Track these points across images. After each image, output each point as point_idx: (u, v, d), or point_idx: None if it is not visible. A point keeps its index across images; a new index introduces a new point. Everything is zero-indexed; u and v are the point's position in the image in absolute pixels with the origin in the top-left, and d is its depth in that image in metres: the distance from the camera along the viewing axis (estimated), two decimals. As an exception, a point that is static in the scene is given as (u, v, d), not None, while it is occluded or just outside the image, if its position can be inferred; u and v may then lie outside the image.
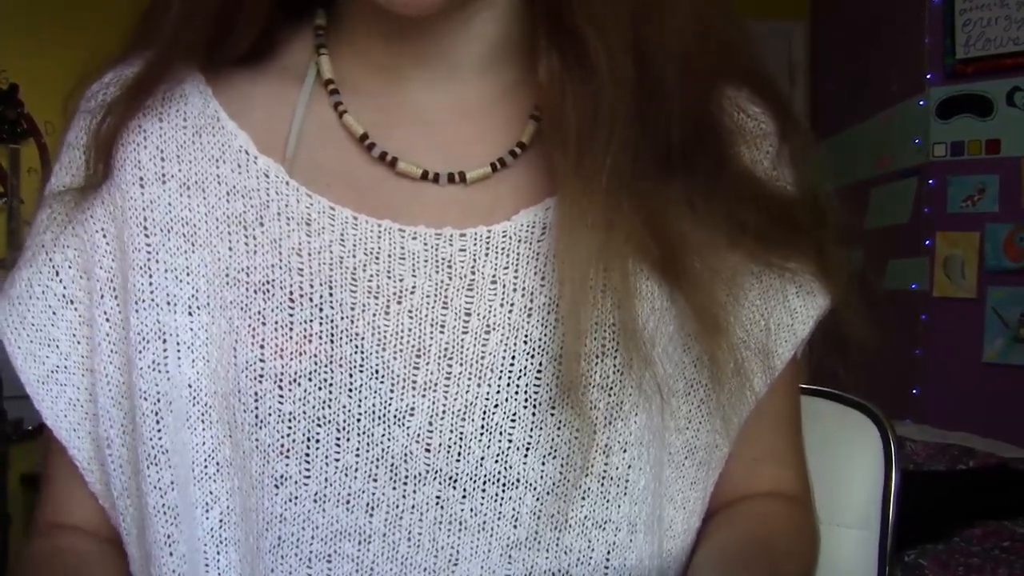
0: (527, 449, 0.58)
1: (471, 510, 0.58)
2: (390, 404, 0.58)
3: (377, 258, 0.59)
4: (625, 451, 0.60)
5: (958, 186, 2.90)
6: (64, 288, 0.63)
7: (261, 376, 0.58)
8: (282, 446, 0.58)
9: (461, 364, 0.58)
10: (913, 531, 1.74)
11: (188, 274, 0.60)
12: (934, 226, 2.96)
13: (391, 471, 0.58)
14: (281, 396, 0.58)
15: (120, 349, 0.61)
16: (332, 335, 0.58)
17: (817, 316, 0.67)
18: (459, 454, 0.58)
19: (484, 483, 0.58)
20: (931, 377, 2.97)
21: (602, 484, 0.60)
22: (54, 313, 0.63)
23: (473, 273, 0.59)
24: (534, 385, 0.58)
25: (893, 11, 3.27)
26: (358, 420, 0.58)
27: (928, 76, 2.98)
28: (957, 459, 2.20)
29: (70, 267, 0.63)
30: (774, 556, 0.62)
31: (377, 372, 0.58)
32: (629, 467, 0.60)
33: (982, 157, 2.86)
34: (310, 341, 0.58)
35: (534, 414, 0.58)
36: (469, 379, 0.58)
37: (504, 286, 0.59)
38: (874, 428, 0.84)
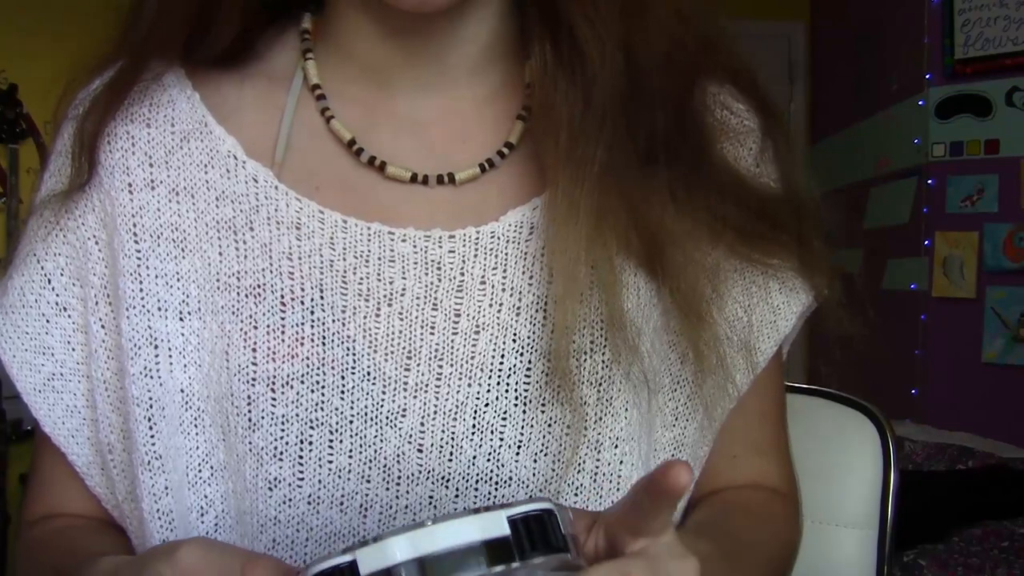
0: (518, 447, 0.58)
1: (464, 509, 0.58)
2: (382, 406, 0.58)
3: (367, 261, 0.59)
4: (616, 446, 0.60)
5: (957, 186, 2.90)
6: (57, 296, 0.63)
7: (254, 379, 0.58)
8: (275, 449, 0.58)
9: (451, 365, 0.59)
10: (912, 531, 1.74)
11: (178, 280, 0.60)
12: (933, 226, 2.96)
13: (384, 472, 0.58)
14: (274, 399, 0.58)
15: (116, 355, 0.61)
16: (324, 338, 0.58)
17: (800, 312, 0.67)
18: (451, 454, 0.58)
19: (476, 482, 0.58)
20: (930, 377, 2.97)
21: (594, 480, 0.60)
22: (48, 321, 0.63)
23: (462, 274, 0.60)
24: (524, 383, 0.58)
25: (893, 11, 3.28)
26: (350, 422, 0.58)
27: (927, 76, 2.98)
28: (956, 459, 2.20)
29: (62, 275, 0.63)
30: (740, 530, 0.62)
31: (369, 374, 0.58)
32: (621, 462, 0.60)
33: (981, 157, 2.86)
34: (302, 344, 0.58)
35: (524, 412, 0.58)
36: (459, 379, 0.58)
37: (493, 286, 0.60)
38: (873, 428, 0.84)
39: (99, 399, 0.61)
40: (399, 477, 0.58)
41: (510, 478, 0.58)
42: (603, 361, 0.59)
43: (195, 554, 0.44)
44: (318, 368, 0.58)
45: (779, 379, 0.70)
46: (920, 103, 3.00)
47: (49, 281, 0.63)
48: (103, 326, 0.61)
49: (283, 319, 0.58)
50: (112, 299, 0.61)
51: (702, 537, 0.54)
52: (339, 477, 0.58)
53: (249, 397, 0.58)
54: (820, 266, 0.66)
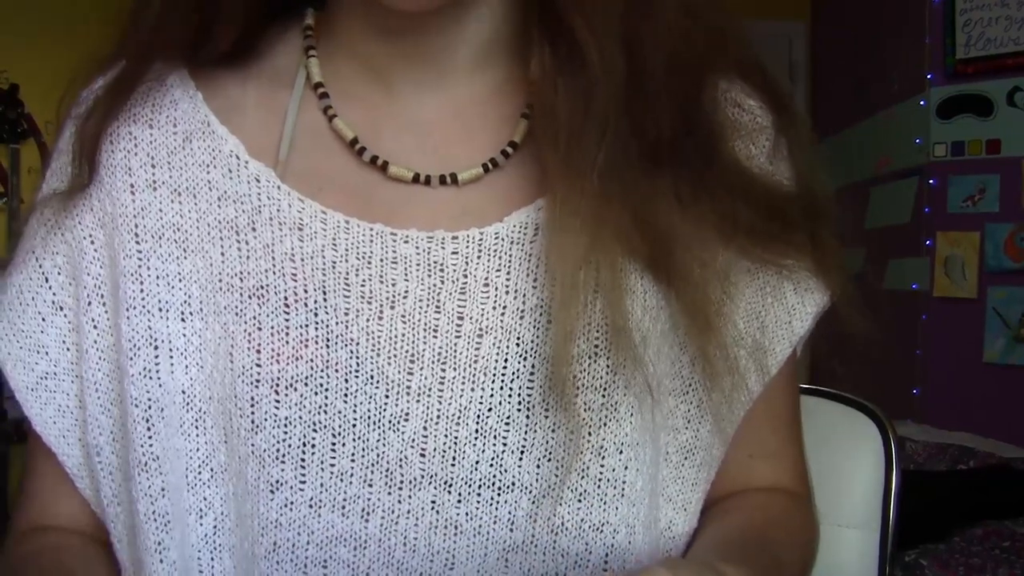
0: (521, 452, 0.58)
1: (466, 514, 0.58)
2: (385, 409, 0.58)
3: (369, 263, 0.59)
4: (621, 452, 0.60)
5: (958, 186, 2.90)
6: (54, 295, 0.62)
7: (257, 381, 0.58)
8: (278, 451, 0.58)
9: (455, 368, 0.58)
10: (914, 531, 1.74)
11: (180, 280, 0.60)
12: (934, 226, 2.96)
13: (386, 476, 0.58)
14: (277, 401, 0.58)
15: (108, 356, 0.60)
16: (327, 340, 0.58)
17: (815, 313, 0.66)
18: (454, 458, 0.58)
19: (479, 487, 0.58)
20: (931, 377, 2.97)
21: (598, 486, 0.59)
22: (43, 320, 0.62)
23: (465, 276, 0.59)
24: (527, 388, 0.58)
25: (894, 11, 3.27)
26: (353, 425, 0.58)
27: (929, 76, 2.98)
28: (957, 459, 2.20)
29: (59, 273, 0.62)
30: (773, 544, 0.61)
31: (372, 377, 0.58)
32: (625, 468, 0.60)
33: (982, 157, 2.86)
34: (306, 346, 0.58)
35: (528, 417, 0.58)
36: (463, 383, 0.58)
37: (496, 289, 0.59)
38: (874, 428, 0.83)
39: (88, 400, 0.60)
40: (401, 481, 0.58)
41: (513, 483, 0.58)
42: (607, 366, 0.58)
43: None
44: (322, 370, 0.58)
45: (794, 379, 0.69)
46: (921, 103, 3.00)
47: (47, 279, 0.62)
48: (95, 326, 0.61)
49: (287, 320, 0.58)
50: (108, 299, 0.61)
51: (736, 562, 0.53)
52: (341, 481, 0.58)
53: (252, 399, 0.58)
54: (835, 265, 0.65)
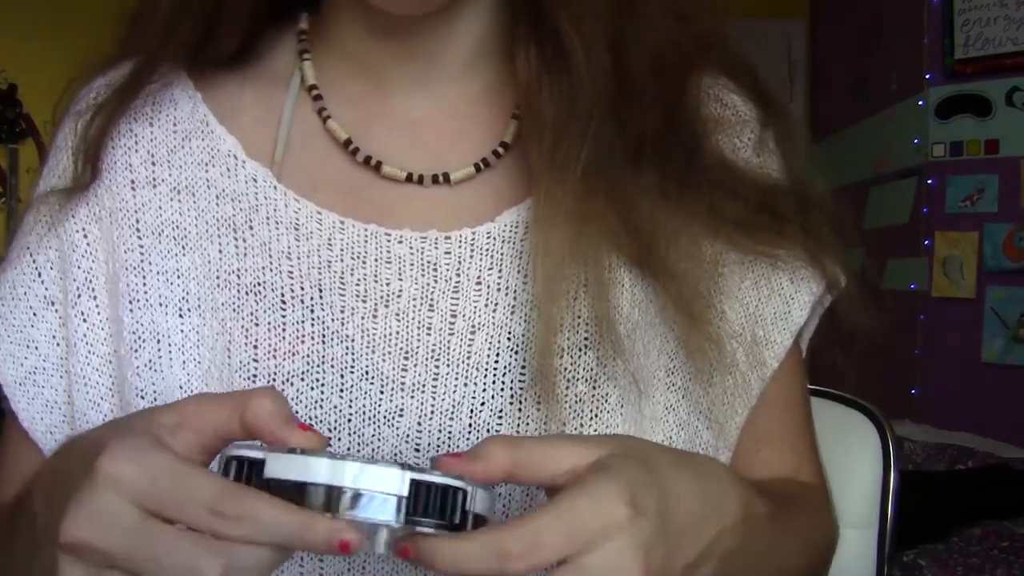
0: None
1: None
2: (380, 405, 0.58)
3: (364, 262, 0.60)
4: None
5: (957, 186, 2.90)
6: (46, 289, 0.63)
7: (255, 376, 0.58)
8: None
9: (448, 365, 0.59)
10: (912, 531, 1.74)
11: (179, 277, 0.60)
12: (933, 226, 2.96)
13: None
14: None
15: (99, 350, 0.61)
16: (324, 336, 0.58)
17: (812, 301, 0.66)
18: (447, 453, 0.58)
19: None
20: (930, 377, 2.97)
21: None
22: (35, 314, 0.63)
23: (458, 275, 0.60)
24: (519, 381, 0.58)
25: (893, 11, 3.28)
26: (349, 420, 0.58)
27: (927, 76, 2.98)
28: (956, 459, 2.20)
29: (51, 268, 0.63)
30: (781, 498, 0.60)
31: (367, 374, 0.58)
32: None
33: (981, 157, 2.86)
34: (303, 341, 0.58)
35: (520, 410, 0.58)
36: (456, 379, 0.59)
37: (488, 286, 0.60)
38: (873, 428, 0.83)
39: (76, 395, 0.61)
40: None
41: None
42: (596, 359, 0.59)
43: (196, 400, 0.43)
44: (318, 366, 0.58)
45: (801, 372, 0.69)
46: (920, 103, 3.00)
47: (39, 274, 0.63)
48: (85, 320, 0.61)
49: (284, 317, 0.59)
50: (100, 293, 0.61)
51: (760, 494, 0.52)
52: None
53: None
54: (830, 254, 0.65)
